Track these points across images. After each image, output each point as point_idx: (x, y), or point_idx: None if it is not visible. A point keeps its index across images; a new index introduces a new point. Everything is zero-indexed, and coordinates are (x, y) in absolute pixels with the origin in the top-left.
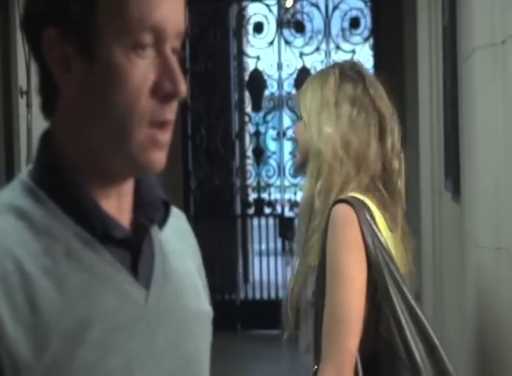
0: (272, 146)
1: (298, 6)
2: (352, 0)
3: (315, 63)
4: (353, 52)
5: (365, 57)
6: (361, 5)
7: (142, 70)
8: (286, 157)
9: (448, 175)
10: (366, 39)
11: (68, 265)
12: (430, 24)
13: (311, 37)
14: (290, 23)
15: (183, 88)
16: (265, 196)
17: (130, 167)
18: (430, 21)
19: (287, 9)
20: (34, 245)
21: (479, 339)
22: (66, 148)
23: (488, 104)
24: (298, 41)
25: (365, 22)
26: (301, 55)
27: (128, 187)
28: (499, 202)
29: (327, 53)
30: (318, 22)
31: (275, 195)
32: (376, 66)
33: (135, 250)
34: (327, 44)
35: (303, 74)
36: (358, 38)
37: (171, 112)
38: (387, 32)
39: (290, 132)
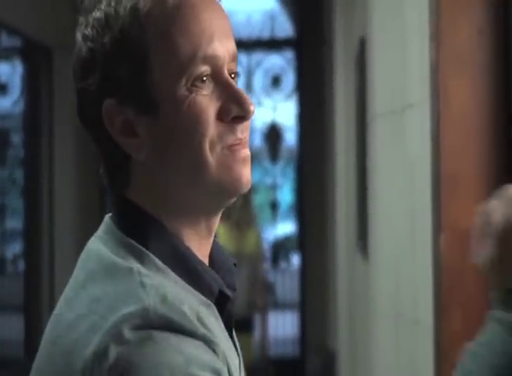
0: None
1: None
2: (274, 57)
3: None
4: (275, 108)
5: (287, 114)
6: (283, 63)
7: (205, 101)
8: None
9: (360, 238)
10: (289, 96)
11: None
12: (345, 85)
13: None
14: None
15: (252, 107)
16: None
17: (216, 192)
18: (345, 82)
19: None
20: None
21: None
22: (151, 210)
23: (389, 170)
24: None
25: (288, 79)
26: None
27: (208, 248)
28: (399, 267)
29: None
30: (240, 78)
31: None
32: (298, 122)
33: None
34: None
35: None
36: (280, 95)
37: (242, 132)
38: (308, 90)
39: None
